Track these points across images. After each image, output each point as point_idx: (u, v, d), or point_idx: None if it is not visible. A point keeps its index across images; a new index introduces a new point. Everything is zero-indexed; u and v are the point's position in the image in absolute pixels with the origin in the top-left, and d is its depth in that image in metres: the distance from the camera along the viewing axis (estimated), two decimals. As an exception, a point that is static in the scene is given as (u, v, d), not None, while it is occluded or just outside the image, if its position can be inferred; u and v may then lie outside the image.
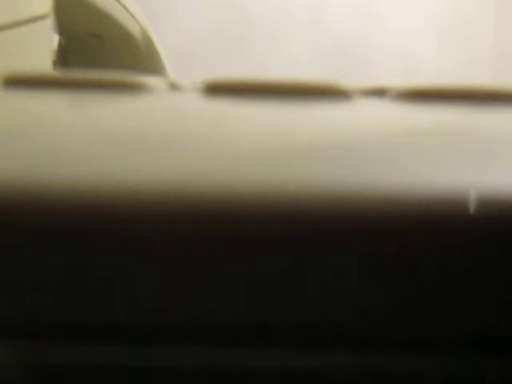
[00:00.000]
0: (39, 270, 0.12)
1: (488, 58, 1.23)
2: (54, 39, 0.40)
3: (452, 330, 0.12)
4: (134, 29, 0.45)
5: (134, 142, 0.14)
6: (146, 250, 0.12)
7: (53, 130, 0.16)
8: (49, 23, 0.37)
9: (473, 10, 1.25)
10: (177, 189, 0.12)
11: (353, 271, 0.12)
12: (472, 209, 0.12)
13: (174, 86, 0.23)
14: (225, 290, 0.12)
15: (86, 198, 0.12)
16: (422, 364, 0.12)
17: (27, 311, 0.12)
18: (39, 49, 0.37)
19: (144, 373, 0.12)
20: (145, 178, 0.12)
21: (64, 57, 0.42)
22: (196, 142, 0.14)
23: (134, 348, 0.12)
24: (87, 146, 0.14)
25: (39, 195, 0.12)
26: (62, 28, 0.41)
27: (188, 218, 0.12)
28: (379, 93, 0.22)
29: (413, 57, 1.23)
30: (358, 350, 0.12)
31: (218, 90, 0.21)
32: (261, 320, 0.12)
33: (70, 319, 0.12)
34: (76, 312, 0.12)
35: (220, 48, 1.18)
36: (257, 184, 0.12)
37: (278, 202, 0.12)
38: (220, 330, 0.12)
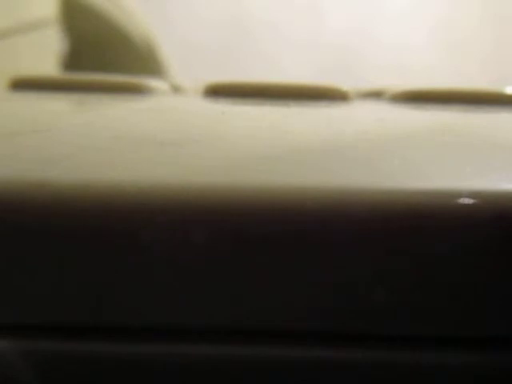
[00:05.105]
0: (40, 269, 0.12)
1: (487, 74, 1.22)
2: (59, 43, 0.40)
3: (453, 328, 0.12)
4: (138, 34, 0.45)
5: (137, 143, 0.14)
6: (147, 249, 0.12)
7: (58, 131, 0.16)
8: (54, 28, 0.37)
9: (473, 27, 1.24)
10: (178, 188, 0.12)
11: (353, 270, 0.12)
12: (468, 208, 0.12)
13: (176, 89, 0.23)
14: (224, 289, 0.12)
15: (89, 198, 0.12)
16: (421, 362, 0.12)
17: (28, 309, 0.12)
18: (45, 53, 0.37)
19: (144, 370, 0.12)
20: (148, 178, 0.12)
21: (69, 61, 0.42)
22: (197, 143, 0.15)
23: (135, 346, 0.12)
24: (91, 147, 0.14)
25: (41, 195, 0.12)
26: (67, 33, 0.42)
27: (189, 217, 0.12)
28: (377, 95, 0.22)
29: (412, 72, 1.22)
30: (358, 347, 0.12)
31: (220, 91, 0.21)
32: (260, 318, 0.12)
33: (75, 318, 0.12)
34: (79, 310, 0.12)
35: (216, 62, 1.18)
36: (256, 184, 0.12)
37: (276, 201, 0.12)
38: (220, 330, 0.12)
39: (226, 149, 0.14)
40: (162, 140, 0.15)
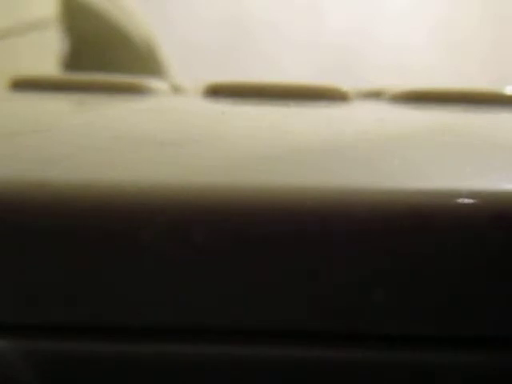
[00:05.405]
0: (40, 269, 0.12)
1: (487, 74, 1.22)
2: (59, 43, 0.40)
3: (453, 328, 0.12)
4: (138, 34, 0.45)
5: (137, 143, 0.14)
6: (147, 249, 0.12)
7: (58, 131, 0.16)
8: (54, 28, 0.37)
9: (473, 27, 1.24)
10: (178, 188, 0.12)
11: (353, 270, 0.12)
12: (468, 208, 0.12)
13: (176, 89, 0.23)
14: (224, 289, 0.12)
15: (89, 198, 0.12)
16: (421, 362, 0.12)
17: (28, 309, 0.12)
18: (45, 53, 0.37)
19: (144, 370, 0.12)
20: (148, 178, 0.12)
21: (69, 61, 0.42)
22: (197, 143, 0.15)
23: (135, 346, 0.12)
24: (91, 147, 0.14)
25: (41, 195, 0.12)
26: (67, 33, 0.42)
27: (189, 217, 0.12)
28: (377, 95, 0.22)
29: (412, 72, 1.22)
30: (358, 347, 0.12)
31: (220, 91, 0.21)
32: (260, 318, 0.12)
33: (77, 318, 0.12)
34: (81, 311, 0.12)
35: (216, 62, 1.18)
36: (256, 184, 0.12)
37: (276, 201, 0.12)
38: (220, 330, 0.12)
39: (226, 149, 0.14)
40: (162, 140, 0.15)
